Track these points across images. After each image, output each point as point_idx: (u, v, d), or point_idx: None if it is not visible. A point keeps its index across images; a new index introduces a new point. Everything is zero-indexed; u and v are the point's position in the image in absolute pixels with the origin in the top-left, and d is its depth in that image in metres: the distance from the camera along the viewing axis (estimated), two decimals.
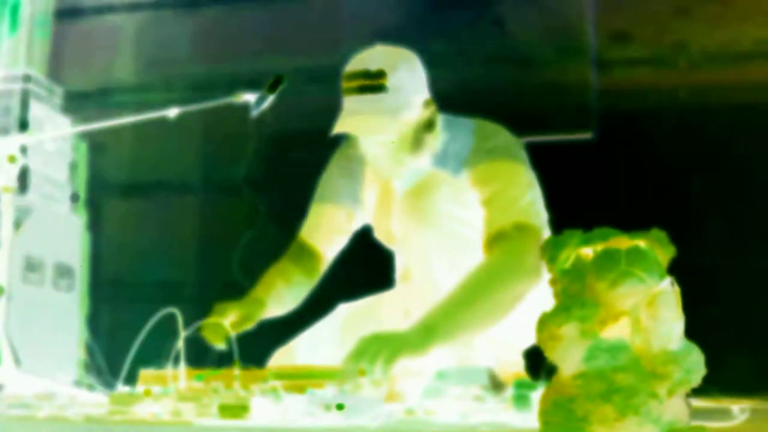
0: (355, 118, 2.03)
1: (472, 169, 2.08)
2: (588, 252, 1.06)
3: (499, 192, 2.04)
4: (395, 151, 2.08)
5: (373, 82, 2.02)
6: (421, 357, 1.76)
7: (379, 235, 2.31)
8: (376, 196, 2.28)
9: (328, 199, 2.31)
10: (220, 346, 2.00)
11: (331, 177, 2.32)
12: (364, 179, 2.29)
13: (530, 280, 1.95)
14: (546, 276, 1.85)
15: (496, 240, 1.99)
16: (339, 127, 2.05)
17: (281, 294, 2.24)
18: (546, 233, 2.08)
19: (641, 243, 1.04)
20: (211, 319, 2.03)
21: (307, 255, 2.31)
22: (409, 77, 2.06)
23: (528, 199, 2.04)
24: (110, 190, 4.23)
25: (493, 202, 2.04)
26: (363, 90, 2.02)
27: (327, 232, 2.31)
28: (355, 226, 2.34)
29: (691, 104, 3.62)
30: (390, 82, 2.02)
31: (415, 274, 2.19)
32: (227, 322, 2.03)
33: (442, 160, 2.13)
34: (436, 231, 2.08)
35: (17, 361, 1.95)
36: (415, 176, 2.12)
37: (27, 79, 3.59)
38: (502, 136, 2.15)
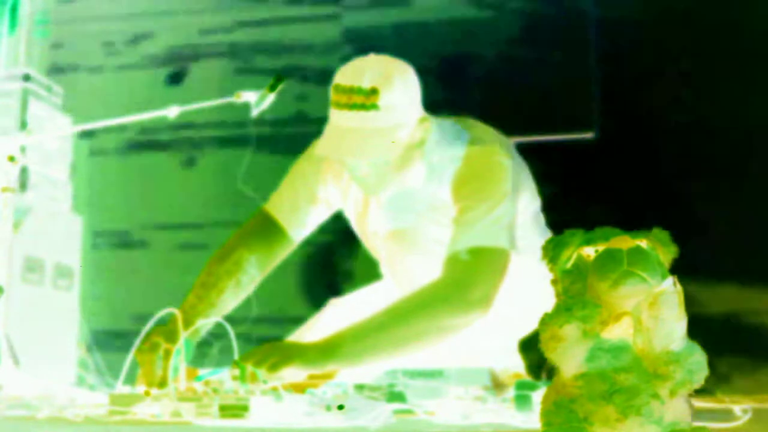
0: (344, 137, 1.90)
1: (451, 186, 1.98)
2: (589, 252, 1.05)
3: (464, 209, 1.94)
4: (383, 170, 1.97)
5: (365, 101, 1.87)
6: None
7: (361, 237, 2.23)
8: (358, 205, 2.15)
9: (313, 178, 2.15)
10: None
11: (316, 160, 2.14)
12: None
13: (468, 313, 1.87)
14: (499, 303, 1.86)
15: (447, 265, 1.90)
16: (326, 147, 1.95)
17: (227, 301, 2.04)
18: (519, 246, 1.98)
19: (643, 243, 1.04)
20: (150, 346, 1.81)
21: (275, 236, 2.13)
22: (403, 95, 1.91)
23: (495, 216, 1.92)
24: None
25: (456, 221, 1.94)
26: (354, 107, 1.88)
27: (304, 214, 2.14)
28: (329, 213, 2.20)
29: (692, 103, 3.61)
30: (383, 101, 1.88)
31: (400, 283, 2.15)
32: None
33: (430, 176, 2.01)
34: (422, 257, 2.03)
35: (17, 361, 1.94)
36: (401, 197, 2.04)
37: (26, 78, 3.58)
38: (490, 147, 2.00)
